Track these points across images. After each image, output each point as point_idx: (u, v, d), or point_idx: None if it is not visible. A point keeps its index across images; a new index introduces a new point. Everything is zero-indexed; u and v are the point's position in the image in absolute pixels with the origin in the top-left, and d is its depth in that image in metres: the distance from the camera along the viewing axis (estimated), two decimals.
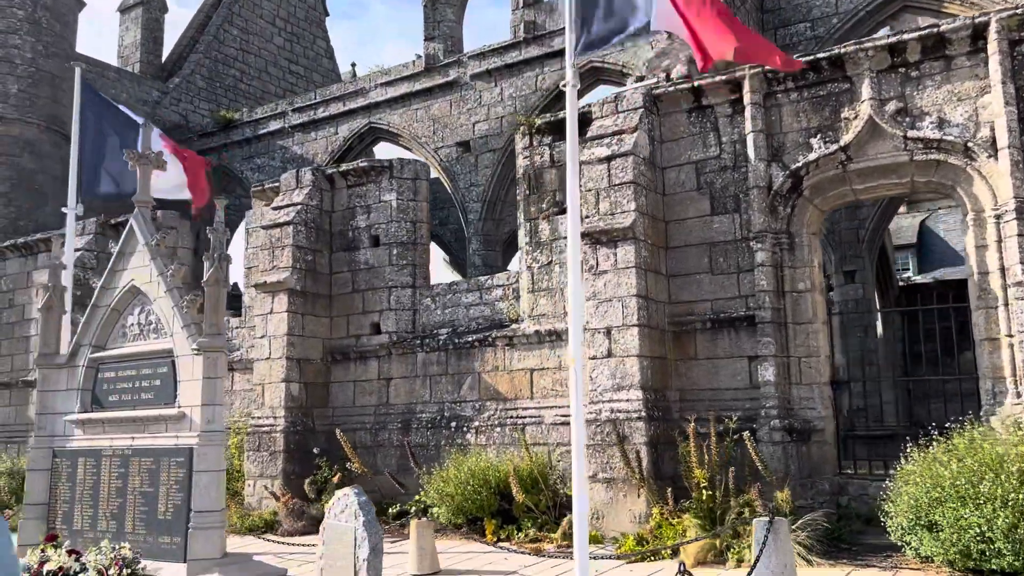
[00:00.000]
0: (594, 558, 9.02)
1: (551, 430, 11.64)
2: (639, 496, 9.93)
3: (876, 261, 18.86)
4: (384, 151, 23.61)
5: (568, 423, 11.38)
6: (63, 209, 11.94)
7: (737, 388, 10.56)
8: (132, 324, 8.31)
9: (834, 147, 10.08)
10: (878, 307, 20.10)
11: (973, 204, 9.53)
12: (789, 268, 10.39)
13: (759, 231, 10.34)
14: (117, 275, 8.43)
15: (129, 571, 6.97)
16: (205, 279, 7.64)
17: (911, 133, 9.65)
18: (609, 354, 10.48)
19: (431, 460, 12.24)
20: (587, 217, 10.89)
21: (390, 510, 11.85)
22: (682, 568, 5.44)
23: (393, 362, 13.48)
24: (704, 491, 9.14)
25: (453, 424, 12.60)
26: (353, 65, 32.28)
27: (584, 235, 10.80)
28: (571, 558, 9.30)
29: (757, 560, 6.73)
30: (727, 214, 10.86)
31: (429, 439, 12.70)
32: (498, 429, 12.13)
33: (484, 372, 12.54)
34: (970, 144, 9.33)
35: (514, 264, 20.45)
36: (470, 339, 12.71)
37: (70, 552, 7.32)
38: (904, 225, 30.15)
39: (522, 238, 12.57)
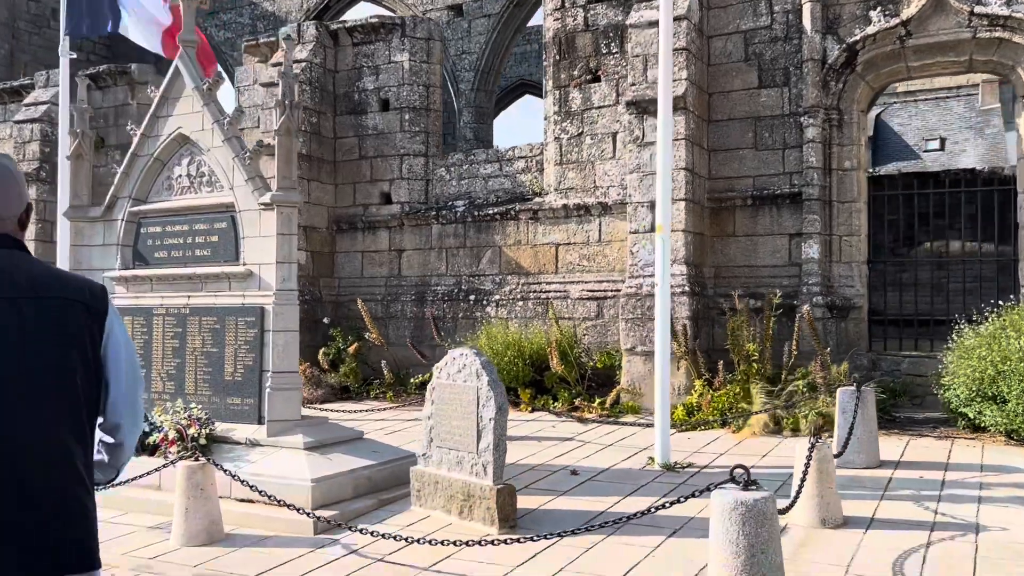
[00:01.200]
0: (644, 425, 9.08)
1: (577, 305, 11.51)
2: (679, 369, 9.95)
3: None
4: (363, 12, 22.29)
5: (595, 298, 11.28)
6: (59, 51, 10.82)
7: (775, 265, 10.55)
8: (180, 176, 7.69)
9: (894, 21, 9.80)
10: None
11: None
12: (837, 146, 10.25)
13: (811, 106, 10.12)
14: (160, 122, 7.72)
15: (206, 431, 6.64)
16: (276, 127, 7.05)
17: (977, 9, 9.43)
18: (653, 228, 10.26)
19: (449, 333, 12.04)
20: (633, 85, 10.47)
21: (411, 380, 11.67)
22: (814, 439, 5.41)
23: (405, 233, 13.04)
24: (754, 364, 9.19)
25: (471, 297, 12.35)
26: None
27: (630, 104, 10.41)
28: (615, 424, 9.38)
29: (852, 428, 6.80)
30: (775, 87, 10.58)
31: (446, 312, 12.45)
32: (520, 303, 11.94)
33: (505, 246, 12.24)
34: None
35: (504, 138, 19.87)
36: (491, 212, 12.33)
37: None
38: None
39: (549, 107, 12.07)
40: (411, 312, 12.68)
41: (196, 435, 6.59)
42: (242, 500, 6.06)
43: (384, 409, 10.75)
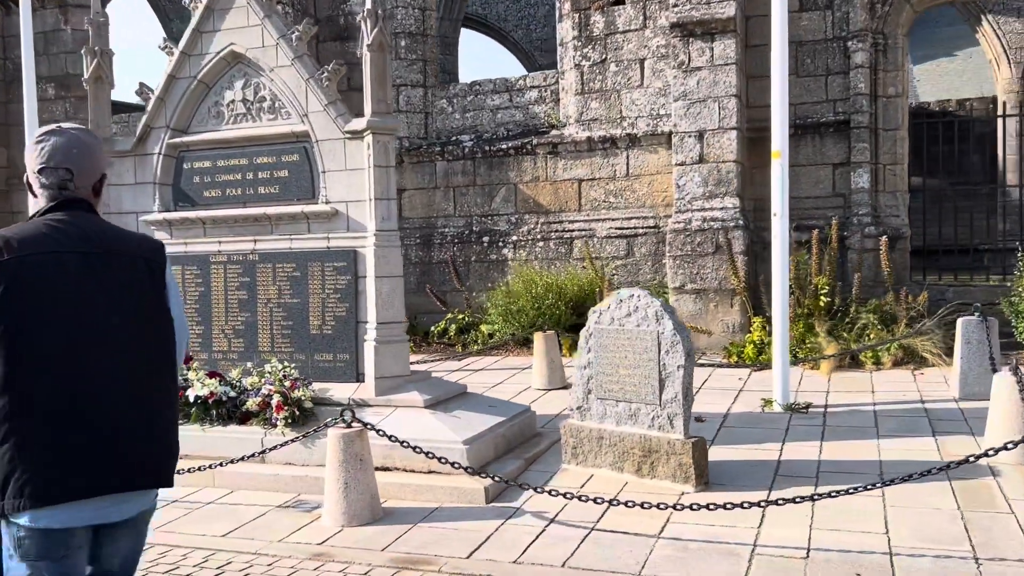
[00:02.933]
0: (718, 365, 8.69)
1: (605, 244, 10.95)
2: (732, 307, 9.59)
3: None
4: None
5: (624, 236, 10.76)
6: None
7: (819, 196, 10.26)
8: (233, 102, 6.62)
9: None
10: None
11: None
12: (883, 71, 9.95)
13: (860, 29, 9.76)
14: (205, 38, 6.61)
15: (311, 393, 5.79)
16: (368, 42, 6.08)
17: None
18: (701, 159, 9.77)
19: (462, 278, 11.30)
20: (676, 6, 9.82)
21: (431, 329, 10.91)
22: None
23: (406, 172, 12.08)
24: (823, 297, 8.90)
25: (485, 239, 11.60)
26: None
27: (675, 26, 9.77)
28: None
29: (993, 356, 6.56)
30: (817, 11, 10.15)
31: (456, 255, 11.66)
32: (540, 243, 11.29)
33: (521, 183, 11.50)
34: None
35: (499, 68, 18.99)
36: (503, 147, 11.54)
37: (211, 375, 6.01)
38: None
39: (567, 32, 11.29)
40: (416, 257, 11.83)
41: (302, 398, 5.73)
42: (379, 469, 5.28)
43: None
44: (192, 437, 5.79)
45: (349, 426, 4.79)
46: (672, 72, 9.86)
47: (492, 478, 4.86)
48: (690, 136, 9.78)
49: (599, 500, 4.55)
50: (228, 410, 5.88)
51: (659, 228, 10.71)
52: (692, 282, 9.66)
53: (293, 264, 6.34)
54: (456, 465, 4.96)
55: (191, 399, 5.86)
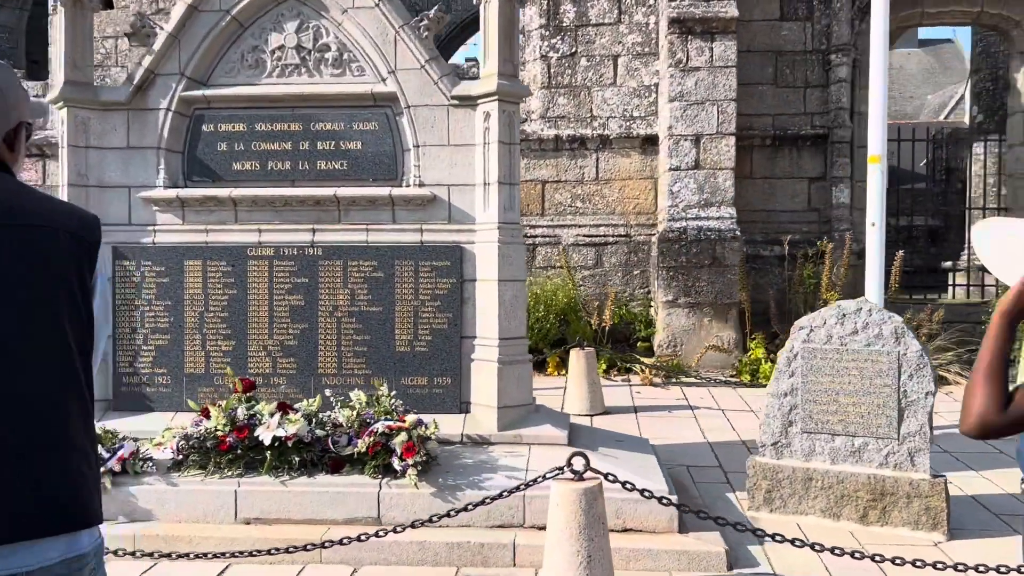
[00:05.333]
0: (736, 385, 8.13)
1: (571, 252, 10.09)
2: (727, 322, 9.07)
3: None
4: None
5: (593, 244, 10.01)
6: None
7: (794, 211, 10.04)
8: (281, 48, 5.07)
9: None
10: None
11: None
12: (860, 88, 9.92)
13: (844, 43, 9.65)
14: None
15: (428, 431, 4.42)
16: None
17: None
18: (696, 165, 9.19)
19: None
20: (673, 1, 9.20)
21: None
22: None
23: None
24: None
25: None
26: None
27: (673, 22, 9.14)
28: (715, 386, 8.29)
29: None
30: (797, 21, 9.95)
31: None
32: None
33: None
34: None
35: None
36: None
37: (280, 407, 4.47)
38: None
39: (532, 19, 10.33)
40: None
41: (431, 436, 4.36)
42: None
43: None
44: (267, 495, 4.25)
45: (581, 477, 3.57)
46: (671, 70, 9.19)
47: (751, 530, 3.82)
48: (686, 140, 9.17)
49: (877, 558, 3.68)
50: (316, 455, 4.37)
51: (631, 237, 10.01)
52: (686, 295, 9.04)
53: (374, 262, 4.93)
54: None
55: (265, 441, 4.29)
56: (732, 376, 8.60)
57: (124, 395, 5.00)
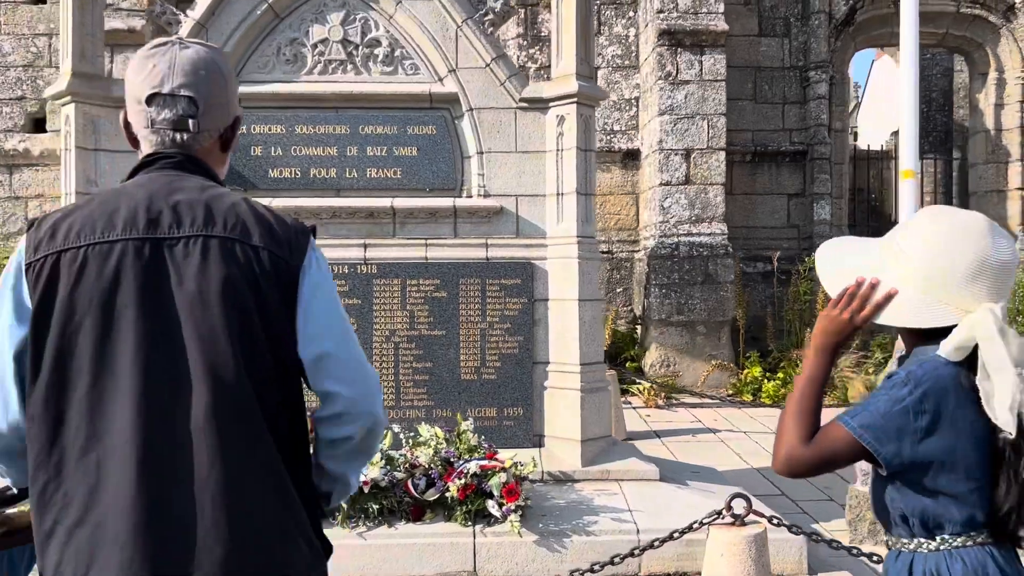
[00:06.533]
0: (738, 405, 7.94)
1: None
2: (720, 340, 8.89)
3: None
4: None
5: None
6: None
7: (774, 227, 9.99)
8: (325, 42, 4.53)
9: None
10: None
11: (996, 64, 10.14)
12: (835, 106, 9.99)
13: (822, 60, 9.69)
14: None
15: (524, 471, 3.94)
16: None
17: None
18: (687, 180, 9.00)
19: None
20: (661, 12, 9.02)
21: None
22: None
23: None
24: None
25: None
26: None
27: (663, 34, 8.95)
28: (727, 407, 8.06)
29: None
30: (775, 37, 9.94)
31: None
32: None
33: None
34: (1016, 4, 9.83)
35: None
36: None
37: None
38: None
39: (509, 28, 9.97)
40: None
41: (522, 474, 3.88)
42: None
43: None
44: (344, 550, 3.67)
45: (742, 522, 3.18)
46: (660, 83, 8.99)
47: None
48: (676, 154, 8.98)
49: None
50: (395, 501, 3.83)
51: (612, 254, 9.74)
52: (679, 313, 8.81)
53: (436, 280, 4.43)
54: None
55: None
56: (731, 395, 8.40)
57: None
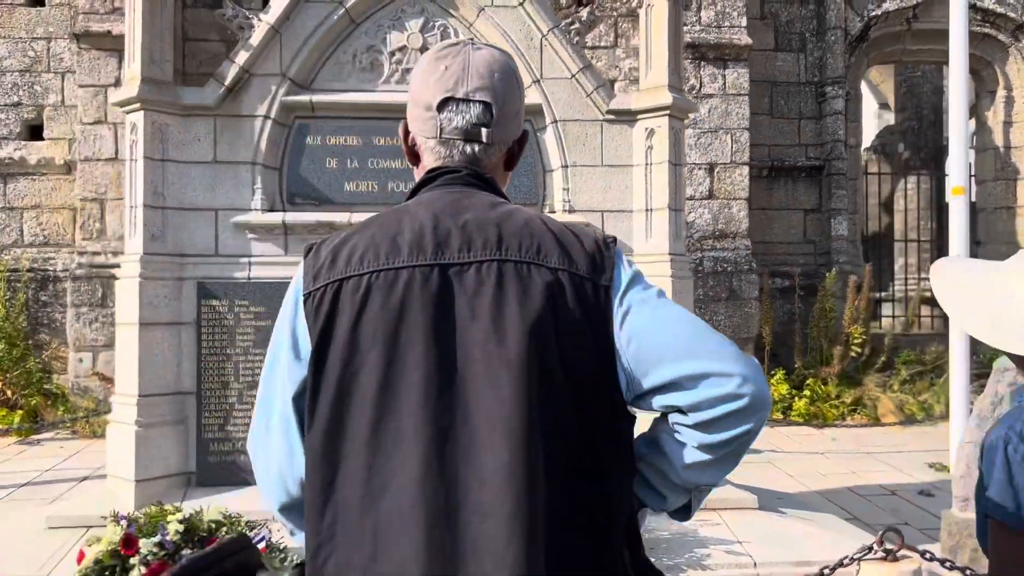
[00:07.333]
0: (771, 423, 7.85)
1: None
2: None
3: None
4: None
5: None
6: None
7: (790, 243, 9.94)
8: (403, 50, 4.33)
9: (909, 2, 9.85)
10: None
11: (1005, 82, 10.26)
12: (850, 122, 10.00)
13: (838, 76, 9.70)
14: None
15: None
16: None
17: (976, 2, 9.89)
18: (710, 195, 8.92)
19: None
20: (684, 25, 8.91)
21: None
22: None
23: None
24: (854, 347, 8.48)
25: None
26: None
27: (687, 47, 8.86)
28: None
29: None
30: (791, 52, 9.93)
31: None
32: None
33: None
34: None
35: None
36: None
37: None
38: None
39: None
40: None
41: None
42: None
43: None
44: None
45: (895, 557, 3.04)
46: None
47: None
48: (700, 168, 8.89)
49: None
50: None
51: None
52: None
53: None
54: None
55: None
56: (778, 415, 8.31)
57: (212, 466, 4.07)
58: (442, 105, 1.29)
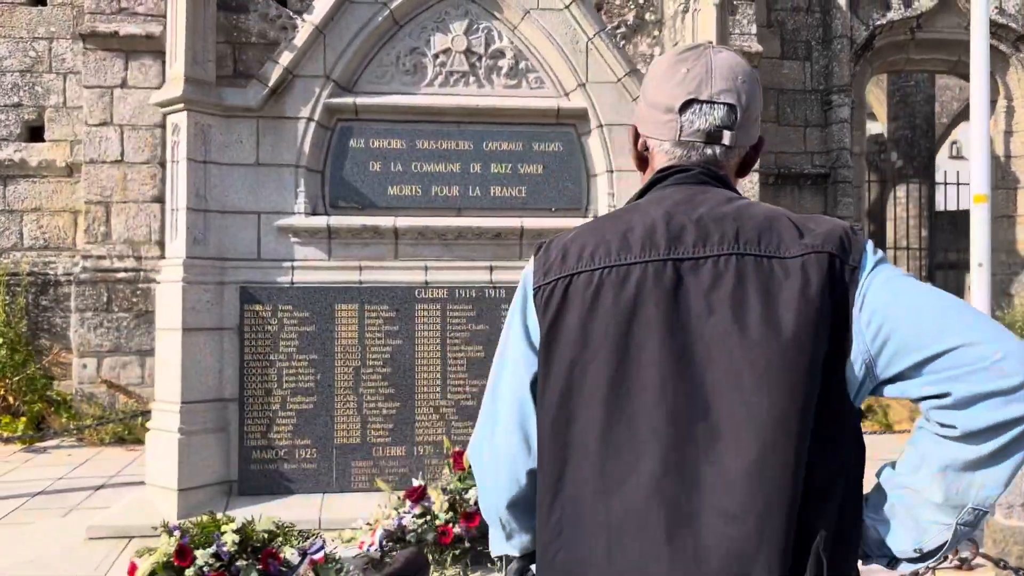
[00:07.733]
0: None
1: None
2: None
3: None
4: None
5: None
6: None
7: None
8: (447, 52, 4.29)
9: (913, 12, 9.94)
10: None
11: (1005, 92, 10.38)
12: (855, 130, 10.07)
13: (844, 84, 9.76)
14: None
15: None
16: None
17: None
18: None
19: None
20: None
21: None
22: None
23: None
24: None
25: None
26: None
27: None
28: None
29: None
30: (797, 60, 9.98)
31: None
32: None
33: None
34: None
35: None
36: None
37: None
38: None
39: None
40: None
41: None
42: None
43: None
44: None
45: (969, 566, 3.02)
46: None
47: None
48: None
49: None
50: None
51: None
52: None
53: None
54: None
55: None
56: None
57: (254, 474, 3.99)
58: (684, 107, 1.27)
